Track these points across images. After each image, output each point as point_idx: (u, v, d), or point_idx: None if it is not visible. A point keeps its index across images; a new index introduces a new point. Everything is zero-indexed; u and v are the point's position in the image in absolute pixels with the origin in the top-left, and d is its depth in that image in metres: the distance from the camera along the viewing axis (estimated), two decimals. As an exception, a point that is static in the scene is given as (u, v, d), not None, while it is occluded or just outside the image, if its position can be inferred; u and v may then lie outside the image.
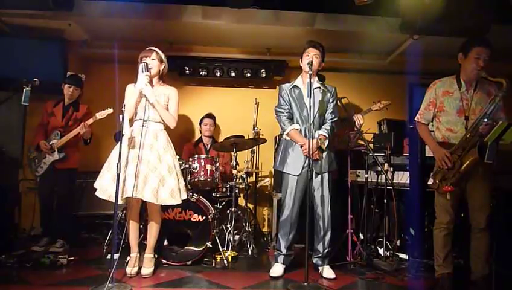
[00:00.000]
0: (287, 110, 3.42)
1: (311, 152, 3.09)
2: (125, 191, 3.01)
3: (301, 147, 3.32)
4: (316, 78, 3.35)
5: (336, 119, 3.49)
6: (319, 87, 3.41)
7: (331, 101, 3.46)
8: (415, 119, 3.23)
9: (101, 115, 3.89)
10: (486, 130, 2.81)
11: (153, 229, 3.31)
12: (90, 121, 3.91)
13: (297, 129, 3.36)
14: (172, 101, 3.36)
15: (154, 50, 3.32)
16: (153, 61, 3.27)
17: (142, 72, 3.13)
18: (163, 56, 3.38)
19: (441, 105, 3.04)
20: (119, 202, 3.00)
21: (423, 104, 3.17)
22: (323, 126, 3.39)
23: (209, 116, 5.01)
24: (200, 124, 5.01)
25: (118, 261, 3.13)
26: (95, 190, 3.15)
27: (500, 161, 2.92)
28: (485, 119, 2.79)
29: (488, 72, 2.89)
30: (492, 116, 2.85)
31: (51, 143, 3.98)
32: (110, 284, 2.77)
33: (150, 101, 3.19)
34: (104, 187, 3.09)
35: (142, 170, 3.06)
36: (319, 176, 3.34)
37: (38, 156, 4.03)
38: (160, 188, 3.12)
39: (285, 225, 3.38)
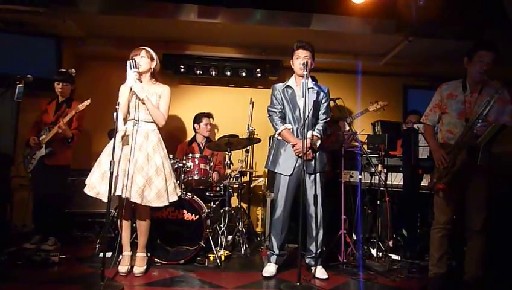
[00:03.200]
0: (280, 110, 3.43)
1: (304, 152, 3.10)
2: (115, 189, 3.00)
3: (293, 147, 3.33)
4: (310, 79, 3.36)
5: (328, 119, 3.50)
6: (312, 88, 3.42)
7: (323, 101, 3.47)
8: (421, 120, 3.28)
9: (80, 107, 3.87)
10: (481, 132, 2.84)
11: (143, 227, 3.30)
12: (72, 113, 3.89)
13: (290, 129, 3.37)
14: (164, 99, 3.33)
15: (144, 48, 3.31)
16: (142, 58, 3.26)
17: (131, 68, 3.13)
18: (153, 54, 3.36)
19: (445, 107, 3.08)
20: (104, 199, 2.98)
21: (429, 106, 3.22)
22: (315, 126, 3.40)
23: (209, 115, 4.95)
24: (199, 123, 4.89)
25: (110, 259, 3.12)
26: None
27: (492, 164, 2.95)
28: (480, 121, 2.82)
29: (490, 76, 2.93)
30: (498, 119, 2.88)
31: (40, 139, 3.96)
32: (102, 283, 2.76)
33: (140, 97, 3.18)
34: (93, 184, 3.08)
35: (130, 170, 3.05)
36: (312, 176, 3.35)
37: (30, 152, 4.02)
38: (146, 189, 3.08)
39: (277, 225, 3.38)
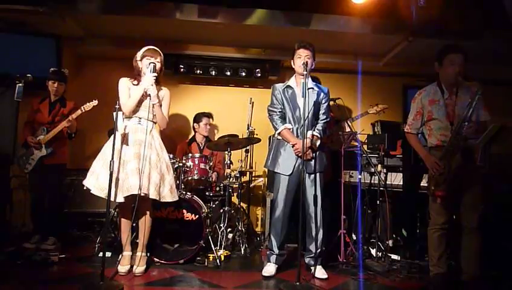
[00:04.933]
0: (280, 110, 3.43)
1: (303, 152, 3.10)
2: (130, 188, 3.02)
3: (293, 146, 3.33)
4: (310, 79, 3.37)
5: (328, 119, 3.51)
6: (312, 88, 3.42)
7: (323, 102, 3.47)
8: (405, 130, 3.30)
9: (86, 107, 3.89)
10: (469, 133, 2.89)
11: (145, 227, 3.30)
12: (78, 112, 3.90)
13: (289, 129, 3.37)
14: (165, 102, 3.38)
15: (159, 52, 3.33)
16: (158, 63, 3.29)
17: (151, 72, 3.16)
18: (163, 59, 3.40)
19: (430, 114, 3.10)
20: (121, 199, 3.00)
21: (411, 115, 3.24)
22: (315, 126, 3.40)
23: (209, 115, 4.96)
24: (198, 122, 4.90)
25: (110, 259, 3.13)
26: (87, 187, 3.13)
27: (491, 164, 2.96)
28: (466, 123, 2.86)
29: (478, 76, 2.95)
30: (476, 117, 2.94)
31: (38, 139, 3.95)
32: (101, 283, 2.76)
33: (154, 102, 3.21)
34: (102, 185, 3.06)
35: (145, 168, 3.08)
36: (311, 176, 3.35)
37: (26, 152, 4.01)
38: (161, 185, 3.18)
39: (277, 225, 3.38)
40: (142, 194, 3.03)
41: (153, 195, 3.09)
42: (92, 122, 4.73)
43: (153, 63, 3.20)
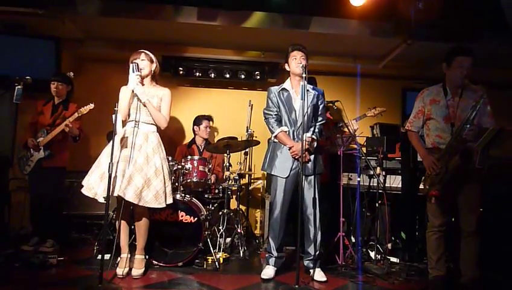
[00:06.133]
0: (276, 113, 3.44)
1: (302, 154, 3.10)
2: (113, 190, 3.01)
3: (289, 149, 3.33)
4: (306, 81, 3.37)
5: (324, 121, 3.52)
6: (308, 90, 3.42)
7: (319, 103, 3.48)
8: (405, 127, 3.31)
9: (82, 111, 3.86)
10: (470, 136, 2.89)
11: (142, 229, 3.29)
12: (75, 116, 3.88)
13: (286, 131, 3.37)
14: (165, 102, 3.37)
15: (143, 51, 3.35)
16: (143, 61, 3.30)
17: (133, 72, 3.17)
18: (153, 56, 3.40)
19: (429, 113, 3.12)
20: (101, 200, 2.99)
21: (412, 113, 3.25)
22: (311, 129, 3.41)
23: (210, 118, 4.96)
24: (198, 125, 4.88)
25: (108, 261, 3.12)
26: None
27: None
28: (468, 126, 2.86)
29: (478, 78, 2.96)
30: (480, 121, 2.95)
31: (37, 141, 3.95)
32: (100, 285, 2.75)
33: (142, 100, 3.20)
34: (91, 185, 3.08)
35: (128, 170, 3.06)
36: (309, 178, 3.35)
37: (26, 154, 4.01)
38: (144, 190, 3.10)
39: (275, 227, 3.38)
40: (121, 197, 3.02)
41: (130, 198, 3.03)
42: (91, 125, 4.73)
43: (134, 63, 3.21)
